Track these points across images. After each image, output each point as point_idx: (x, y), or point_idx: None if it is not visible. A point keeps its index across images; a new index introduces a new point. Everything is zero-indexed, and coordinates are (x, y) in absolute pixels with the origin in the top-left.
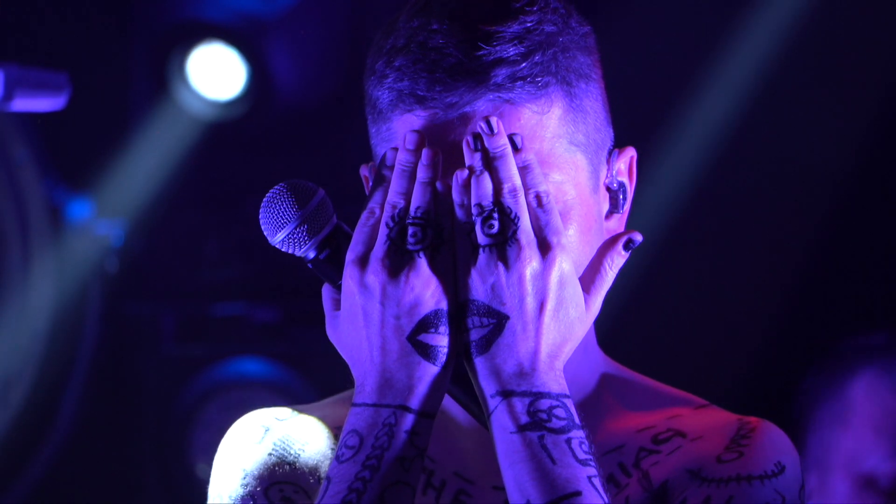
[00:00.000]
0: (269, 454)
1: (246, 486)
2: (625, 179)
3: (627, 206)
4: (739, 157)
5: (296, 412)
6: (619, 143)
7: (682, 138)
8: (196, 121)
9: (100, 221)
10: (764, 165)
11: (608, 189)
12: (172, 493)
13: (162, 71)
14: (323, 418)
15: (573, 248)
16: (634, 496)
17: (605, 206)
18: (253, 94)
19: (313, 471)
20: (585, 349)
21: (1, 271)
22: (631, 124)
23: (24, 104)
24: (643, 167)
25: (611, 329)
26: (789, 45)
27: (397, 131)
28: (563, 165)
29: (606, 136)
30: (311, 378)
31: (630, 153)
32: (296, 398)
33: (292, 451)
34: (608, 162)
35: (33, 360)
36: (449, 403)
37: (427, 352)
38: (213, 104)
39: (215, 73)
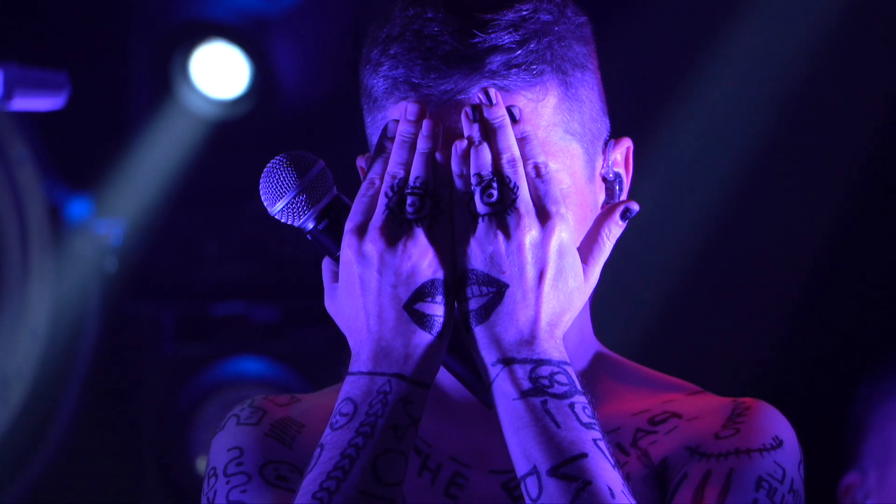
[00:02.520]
0: (266, 435)
1: (241, 463)
2: (621, 170)
3: (624, 197)
4: (777, 155)
5: (294, 399)
6: (622, 135)
7: (703, 132)
8: (199, 120)
9: (100, 221)
10: (801, 158)
11: (604, 179)
12: (172, 492)
13: (165, 70)
14: (320, 404)
15: (569, 221)
16: (635, 472)
17: (602, 197)
18: (256, 92)
19: (309, 453)
20: (581, 332)
21: (0, 271)
22: (635, 117)
23: (24, 103)
24: (664, 164)
25: (643, 336)
26: (803, 40)
27: (391, 120)
28: (559, 154)
29: (603, 126)
30: (310, 378)
31: (626, 144)
32: None
33: (289, 434)
34: (604, 152)
35: (33, 359)
36: (446, 387)
37: (423, 321)
38: (216, 103)
39: (219, 71)
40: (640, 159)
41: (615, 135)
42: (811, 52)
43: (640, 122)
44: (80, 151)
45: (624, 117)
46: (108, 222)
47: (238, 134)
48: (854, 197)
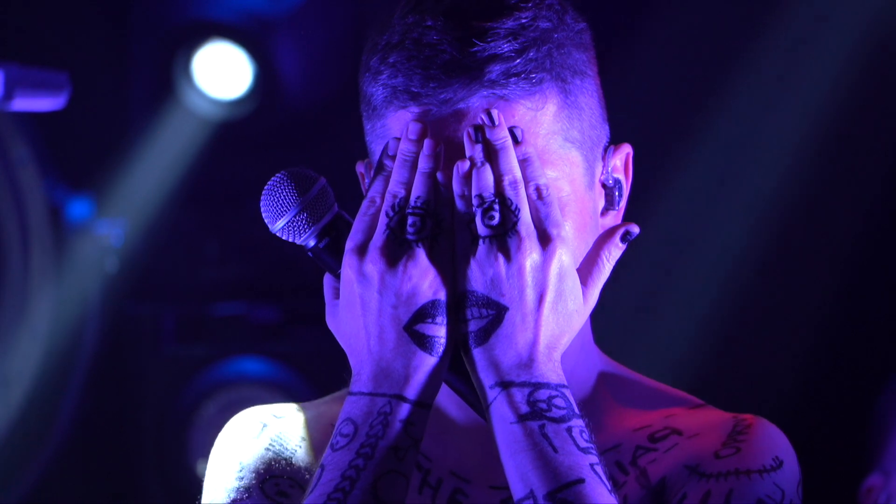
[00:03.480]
0: (266, 449)
1: (242, 479)
2: (620, 176)
3: (623, 203)
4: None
5: (293, 409)
6: (645, 142)
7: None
8: (201, 120)
9: (100, 221)
10: (827, 169)
11: (604, 186)
12: (172, 493)
13: (167, 70)
14: (320, 415)
15: (569, 243)
16: (633, 494)
17: (601, 203)
18: (259, 93)
19: (309, 466)
20: (583, 347)
21: (1, 271)
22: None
23: (25, 104)
24: (689, 176)
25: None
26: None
27: (391, 128)
28: (558, 162)
29: (602, 132)
30: (310, 378)
31: (626, 150)
32: (295, 398)
33: (289, 447)
34: (604, 158)
35: (34, 359)
36: (445, 402)
37: (424, 342)
38: (218, 103)
39: (221, 72)
40: (662, 171)
41: (621, 140)
42: (831, 55)
43: (660, 132)
44: (80, 152)
45: (636, 126)
46: (109, 223)
47: (240, 134)
48: (879, 205)
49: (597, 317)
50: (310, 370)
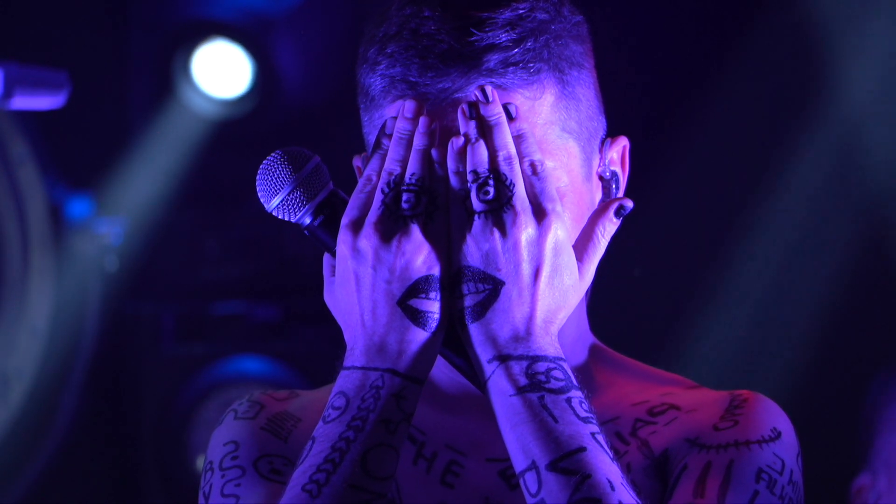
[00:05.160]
0: (262, 429)
1: (237, 457)
2: (617, 169)
3: (620, 195)
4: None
5: (292, 394)
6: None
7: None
8: (200, 119)
9: (100, 220)
10: (817, 160)
11: (601, 178)
12: (172, 492)
13: (167, 68)
14: (316, 400)
15: (564, 219)
16: (636, 463)
17: (598, 195)
18: (258, 91)
19: (304, 446)
20: (578, 327)
21: (1, 270)
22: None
23: (24, 102)
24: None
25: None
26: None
27: (389, 118)
28: (556, 152)
29: (599, 124)
30: (311, 377)
31: (623, 142)
32: None
33: (285, 427)
34: (601, 151)
35: (33, 358)
36: (440, 377)
37: (417, 317)
38: (218, 102)
39: (221, 70)
40: (654, 160)
41: (618, 133)
42: (825, 46)
43: (656, 120)
44: (80, 150)
45: (639, 117)
46: (109, 221)
47: (239, 133)
48: (872, 196)
49: (590, 308)
50: (310, 369)
